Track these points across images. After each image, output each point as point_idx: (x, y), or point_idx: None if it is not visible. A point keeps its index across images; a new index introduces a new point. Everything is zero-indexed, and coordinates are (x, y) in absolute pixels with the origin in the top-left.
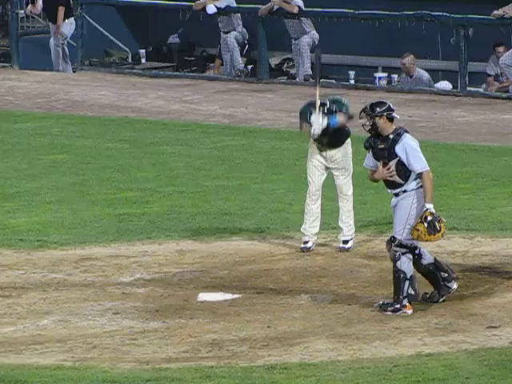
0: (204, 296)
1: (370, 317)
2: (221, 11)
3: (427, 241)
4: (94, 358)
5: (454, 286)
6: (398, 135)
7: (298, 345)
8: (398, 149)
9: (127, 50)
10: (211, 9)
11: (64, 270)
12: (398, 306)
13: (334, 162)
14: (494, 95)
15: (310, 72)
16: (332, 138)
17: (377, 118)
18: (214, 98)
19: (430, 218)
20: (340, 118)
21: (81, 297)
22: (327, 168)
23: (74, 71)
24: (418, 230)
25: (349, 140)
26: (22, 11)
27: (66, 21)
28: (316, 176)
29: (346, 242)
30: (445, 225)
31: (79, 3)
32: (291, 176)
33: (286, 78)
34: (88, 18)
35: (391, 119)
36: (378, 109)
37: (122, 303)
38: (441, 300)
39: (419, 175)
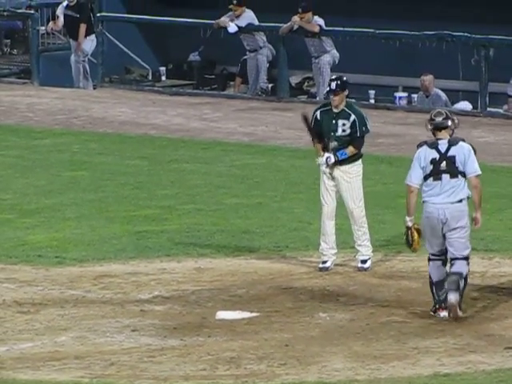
0: (222, 314)
1: (388, 336)
2: (243, 29)
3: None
4: (111, 375)
5: (441, 313)
6: (455, 144)
7: (315, 364)
8: (456, 153)
9: (147, 67)
10: (233, 28)
11: (82, 287)
12: (433, 308)
13: (343, 182)
14: None
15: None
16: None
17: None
18: (233, 116)
19: (404, 230)
20: (350, 152)
21: (99, 314)
22: (336, 188)
23: (94, 88)
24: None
25: (359, 162)
26: (43, 28)
27: (87, 38)
28: (329, 198)
29: (364, 261)
30: (418, 241)
31: (100, 20)
32: (310, 195)
33: (306, 96)
34: (108, 35)
35: (453, 131)
36: (450, 121)
37: (140, 320)
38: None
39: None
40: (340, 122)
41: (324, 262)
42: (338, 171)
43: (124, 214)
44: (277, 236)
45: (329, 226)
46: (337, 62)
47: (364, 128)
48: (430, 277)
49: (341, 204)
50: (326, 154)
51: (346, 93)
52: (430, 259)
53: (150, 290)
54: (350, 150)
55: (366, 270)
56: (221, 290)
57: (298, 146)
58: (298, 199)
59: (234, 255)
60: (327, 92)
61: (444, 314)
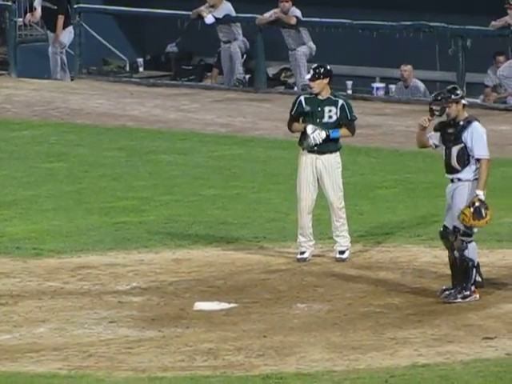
0: (200, 305)
1: (366, 327)
2: (220, 20)
3: (471, 225)
4: (89, 367)
5: (477, 295)
6: (469, 122)
7: (293, 355)
8: (465, 134)
9: (125, 58)
10: (210, 19)
11: (60, 279)
12: (467, 292)
13: (325, 174)
14: (492, 106)
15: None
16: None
17: (454, 104)
18: (211, 107)
19: (477, 204)
20: (343, 133)
21: (77, 305)
22: (319, 181)
23: (71, 79)
24: (464, 214)
25: (339, 153)
26: (21, 19)
27: (65, 29)
28: (307, 192)
29: (342, 252)
30: (491, 213)
31: (77, 11)
32: (288, 185)
33: (283, 87)
34: (86, 26)
35: (463, 106)
36: (456, 94)
37: (118, 312)
38: (456, 301)
39: (478, 161)
40: (326, 108)
41: (302, 253)
42: (321, 162)
43: (102, 206)
44: (254, 227)
45: (306, 219)
46: (313, 53)
47: (353, 114)
48: (469, 260)
49: (319, 195)
50: (311, 126)
51: (327, 80)
52: (468, 242)
53: (127, 282)
54: (344, 131)
55: (344, 260)
56: (199, 280)
57: (276, 137)
58: (275, 190)
59: (212, 246)
60: (306, 80)
61: (478, 296)
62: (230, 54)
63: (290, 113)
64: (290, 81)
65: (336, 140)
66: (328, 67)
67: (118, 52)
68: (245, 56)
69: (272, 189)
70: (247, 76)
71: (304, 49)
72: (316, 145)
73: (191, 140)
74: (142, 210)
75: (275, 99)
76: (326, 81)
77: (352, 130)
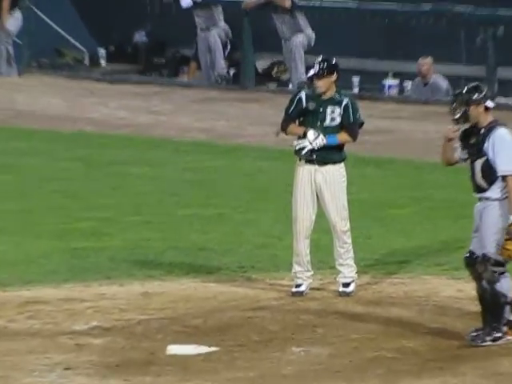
0: (174, 349)
1: (375, 375)
2: (198, 4)
3: None
4: None
5: (510, 337)
6: (491, 129)
7: None
8: (486, 145)
9: (83, 49)
10: (186, 2)
11: (5, 316)
12: (498, 334)
13: (326, 189)
14: None
15: (304, 78)
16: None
17: (472, 107)
18: (188, 109)
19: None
20: (342, 138)
21: (25, 348)
22: (318, 198)
23: (19, 75)
24: (509, 250)
25: (343, 164)
26: None
27: (11, 14)
28: (305, 212)
29: (346, 284)
30: None
31: None
32: (281, 204)
33: (275, 84)
34: (37, 10)
35: (487, 109)
36: (475, 95)
37: (74, 356)
38: (485, 344)
39: (504, 179)
40: (329, 109)
41: (298, 286)
42: (321, 175)
43: (55, 228)
44: (240, 254)
45: (303, 245)
46: (312, 43)
47: (358, 115)
48: (501, 295)
49: (319, 215)
50: (313, 132)
51: (334, 77)
52: (501, 273)
53: (86, 320)
54: (343, 136)
55: (348, 294)
56: (173, 319)
57: (266, 145)
58: (265, 209)
59: (189, 277)
60: (310, 76)
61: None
62: (208, 43)
63: (287, 111)
64: (284, 77)
65: (340, 147)
66: (334, 60)
67: (74, 41)
68: (229, 47)
69: (261, 208)
70: (231, 71)
71: (301, 38)
72: (310, 152)
73: (164, 149)
74: (104, 234)
75: (265, 99)
76: (333, 78)
77: (353, 134)
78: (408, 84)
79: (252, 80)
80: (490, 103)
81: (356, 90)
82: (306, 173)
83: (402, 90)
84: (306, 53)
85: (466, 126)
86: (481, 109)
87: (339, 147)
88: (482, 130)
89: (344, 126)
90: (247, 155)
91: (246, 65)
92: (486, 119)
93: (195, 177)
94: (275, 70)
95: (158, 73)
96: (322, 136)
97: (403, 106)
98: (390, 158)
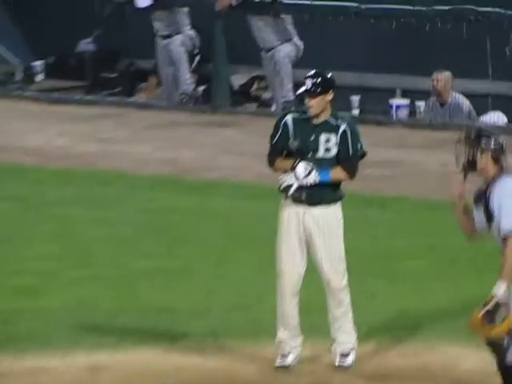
0: None
1: None
2: (158, 4)
3: (478, 332)
4: None
5: None
6: (496, 180)
7: None
8: (492, 201)
9: (15, 61)
10: (143, 1)
11: None
12: None
13: (318, 236)
14: None
15: (291, 97)
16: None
17: (479, 154)
18: (146, 136)
19: (488, 307)
20: (336, 175)
21: None
22: (309, 247)
23: None
24: (474, 316)
25: (339, 204)
26: None
27: None
28: (292, 263)
29: (344, 355)
30: (509, 322)
31: None
32: (263, 254)
33: (256, 105)
34: None
35: (496, 159)
36: (484, 138)
37: None
38: None
39: (504, 241)
40: (323, 137)
41: (283, 357)
42: (312, 218)
43: None
44: (211, 317)
45: (291, 304)
46: (300, 54)
47: (359, 145)
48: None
49: (309, 268)
50: (305, 166)
51: (330, 96)
52: None
53: None
54: (338, 173)
55: (347, 368)
56: None
57: (244, 180)
58: (243, 261)
59: (147, 346)
60: (300, 94)
61: None
62: (171, 54)
63: (271, 141)
64: (266, 95)
65: (335, 184)
66: (330, 75)
67: (5, 51)
68: (197, 58)
69: (238, 258)
70: (200, 88)
71: (287, 47)
72: (299, 190)
73: (117, 184)
74: (42, 292)
75: (243, 123)
76: (328, 97)
77: (350, 171)
78: (421, 104)
79: (226, 99)
80: (498, 153)
81: (356, 112)
82: (293, 215)
83: (413, 111)
84: (293, 66)
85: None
86: (488, 158)
87: (335, 183)
88: (490, 184)
89: (340, 159)
90: (221, 193)
91: (218, 80)
92: (492, 170)
93: (155, 220)
94: (255, 86)
95: (109, 90)
96: (315, 172)
97: (414, 132)
98: (398, 197)
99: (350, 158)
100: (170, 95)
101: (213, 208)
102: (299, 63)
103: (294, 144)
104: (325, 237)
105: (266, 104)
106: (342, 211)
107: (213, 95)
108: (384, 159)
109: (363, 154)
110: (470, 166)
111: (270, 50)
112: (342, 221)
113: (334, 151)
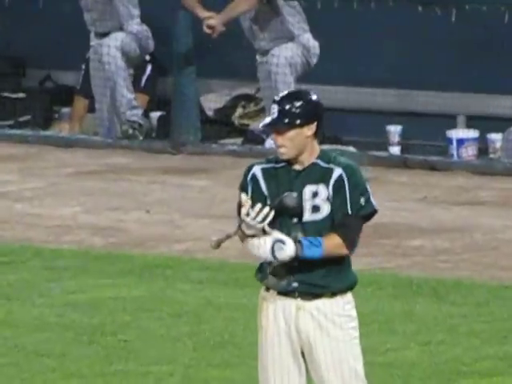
0: None
1: None
2: None
3: None
4: None
5: None
6: None
7: None
8: None
9: None
10: None
11: None
12: None
13: (321, 344)
14: None
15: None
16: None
17: None
18: (70, 189)
19: None
20: (330, 247)
21: None
22: (306, 362)
23: None
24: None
25: (349, 295)
26: None
27: None
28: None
29: None
30: None
31: None
32: (244, 369)
33: (240, 139)
34: None
35: None
36: None
37: None
38: None
39: None
40: (307, 189)
41: None
42: (309, 317)
43: None
44: None
45: None
46: (313, 60)
47: (363, 200)
48: None
49: None
50: (277, 235)
51: (312, 130)
52: None
53: None
54: (332, 242)
55: None
56: None
57: (220, 259)
58: (215, 380)
59: None
60: (265, 127)
61: None
62: (104, 66)
63: (238, 205)
64: (254, 125)
65: (340, 262)
66: (314, 98)
67: None
68: (148, 68)
69: (209, 376)
70: (154, 115)
71: (289, 51)
72: (286, 275)
73: (24, 264)
74: None
75: (218, 169)
76: (308, 131)
77: (347, 237)
78: (496, 137)
79: (194, 132)
80: None
81: (396, 150)
82: (279, 315)
83: (484, 148)
84: (299, 79)
85: None
86: None
87: (339, 261)
88: None
89: (335, 220)
90: (182, 277)
91: (181, 103)
92: None
93: (85, 318)
94: (239, 111)
95: (10, 120)
96: (292, 246)
97: (486, 180)
98: (457, 280)
99: (348, 217)
100: (107, 126)
101: (172, 299)
102: (311, 75)
103: (274, 205)
104: (331, 345)
105: (255, 139)
106: (355, 305)
107: (174, 126)
108: (436, 223)
109: (371, 214)
110: None
111: (264, 54)
112: (356, 320)
113: (325, 210)
